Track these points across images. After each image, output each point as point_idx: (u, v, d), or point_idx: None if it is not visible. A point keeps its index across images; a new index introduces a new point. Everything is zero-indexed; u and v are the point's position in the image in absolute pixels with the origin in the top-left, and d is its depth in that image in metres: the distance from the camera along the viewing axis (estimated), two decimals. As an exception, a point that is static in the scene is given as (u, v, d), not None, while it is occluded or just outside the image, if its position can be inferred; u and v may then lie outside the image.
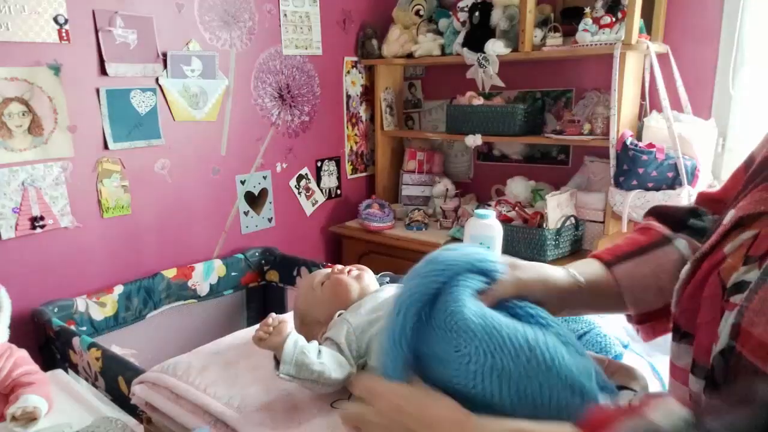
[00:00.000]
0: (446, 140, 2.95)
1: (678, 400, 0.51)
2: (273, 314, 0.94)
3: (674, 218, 0.77)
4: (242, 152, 2.42)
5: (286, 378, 0.88)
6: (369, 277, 1.12)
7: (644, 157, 2.00)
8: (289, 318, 1.23)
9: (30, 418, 1.11)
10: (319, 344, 1.02)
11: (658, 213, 0.80)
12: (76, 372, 1.67)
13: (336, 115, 2.83)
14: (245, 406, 0.93)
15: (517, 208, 2.33)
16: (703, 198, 0.78)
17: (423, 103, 3.06)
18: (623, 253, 0.76)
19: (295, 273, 2.39)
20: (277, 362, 0.89)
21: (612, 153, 2.10)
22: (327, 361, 0.90)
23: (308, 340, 1.11)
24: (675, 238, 0.75)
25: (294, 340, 0.89)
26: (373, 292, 1.05)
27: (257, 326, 1.25)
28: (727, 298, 0.51)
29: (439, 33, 2.62)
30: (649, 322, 0.75)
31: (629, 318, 0.78)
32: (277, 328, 0.91)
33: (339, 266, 1.13)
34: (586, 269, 0.75)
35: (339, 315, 1.02)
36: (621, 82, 2.05)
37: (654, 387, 0.95)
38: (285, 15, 2.48)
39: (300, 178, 2.70)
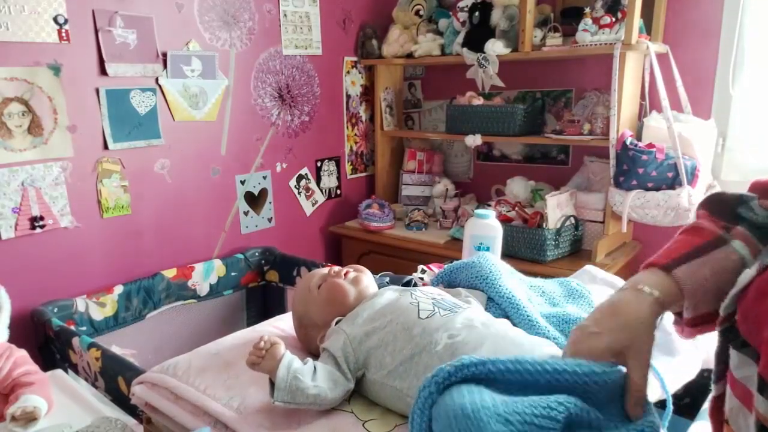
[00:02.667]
0: (446, 140, 2.95)
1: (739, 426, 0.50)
2: (265, 336, 0.91)
3: (726, 207, 0.72)
4: (242, 152, 2.42)
5: (281, 405, 0.87)
6: (367, 279, 1.10)
7: (644, 157, 2.00)
8: (287, 319, 1.23)
9: (30, 418, 1.11)
10: (319, 345, 1.02)
11: (709, 203, 0.76)
12: (76, 372, 1.67)
13: (336, 115, 2.83)
14: (245, 407, 0.93)
15: (517, 208, 2.33)
16: (758, 185, 0.74)
17: (423, 103, 3.06)
18: (680, 255, 0.72)
19: (294, 273, 2.39)
20: (273, 384, 0.87)
21: (612, 153, 2.10)
22: (322, 382, 0.88)
23: (307, 342, 1.10)
24: (731, 239, 0.70)
25: (287, 365, 0.87)
26: (371, 297, 1.03)
27: (257, 326, 1.25)
28: None
29: (439, 33, 2.62)
30: (702, 324, 0.72)
31: (677, 319, 0.74)
32: (270, 351, 0.89)
33: (336, 268, 1.11)
34: (652, 280, 0.71)
35: (336, 323, 1.01)
36: (621, 82, 2.05)
37: (654, 387, 0.95)
38: (285, 15, 2.48)
39: (300, 178, 2.70)
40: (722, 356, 0.64)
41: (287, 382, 0.86)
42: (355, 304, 1.03)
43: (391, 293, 1.04)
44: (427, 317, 0.93)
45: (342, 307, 1.03)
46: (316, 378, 0.89)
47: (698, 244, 0.72)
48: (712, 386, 0.67)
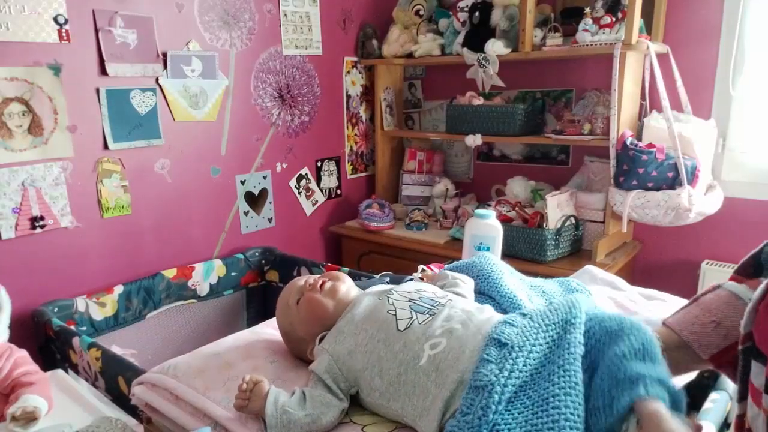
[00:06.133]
0: (446, 140, 2.95)
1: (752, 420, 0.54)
2: (246, 376, 0.91)
3: (749, 262, 0.83)
4: (242, 152, 2.42)
5: None
6: (344, 286, 1.08)
7: (644, 157, 2.00)
8: (275, 332, 1.23)
9: (30, 418, 1.11)
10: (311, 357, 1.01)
11: (740, 264, 0.85)
12: (76, 372, 1.67)
13: (336, 115, 2.83)
14: (244, 408, 0.93)
15: (517, 208, 2.33)
16: None
17: (423, 103, 3.06)
18: (677, 311, 0.89)
19: (295, 273, 2.38)
20: (265, 422, 0.87)
21: (612, 153, 2.10)
22: (312, 409, 0.88)
23: (298, 353, 1.10)
24: (724, 284, 0.84)
25: (273, 401, 0.87)
26: (350, 308, 1.02)
27: (256, 327, 1.24)
28: None
29: (439, 33, 2.62)
30: (728, 362, 0.79)
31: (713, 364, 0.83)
32: (254, 391, 0.88)
33: (311, 279, 1.09)
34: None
35: (320, 342, 1.00)
36: (621, 82, 2.05)
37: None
38: (285, 15, 2.48)
39: (300, 178, 2.70)
40: (744, 376, 0.69)
41: (278, 419, 0.86)
42: (337, 314, 1.02)
43: (369, 299, 1.02)
44: (405, 328, 0.92)
45: (324, 320, 1.03)
46: (305, 406, 0.88)
47: (693, 298, 0.88)
48: (736, 405, 0.73)
